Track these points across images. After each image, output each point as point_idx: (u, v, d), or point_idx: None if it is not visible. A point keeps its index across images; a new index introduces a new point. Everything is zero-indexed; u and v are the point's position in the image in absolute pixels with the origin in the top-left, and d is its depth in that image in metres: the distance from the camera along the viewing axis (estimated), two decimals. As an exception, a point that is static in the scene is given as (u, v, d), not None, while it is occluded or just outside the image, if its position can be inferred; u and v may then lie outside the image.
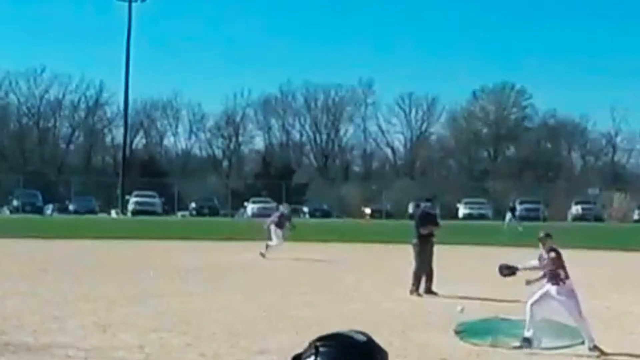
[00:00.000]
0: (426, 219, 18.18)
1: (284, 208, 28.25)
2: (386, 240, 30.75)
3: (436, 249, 17.92)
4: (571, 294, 11.33)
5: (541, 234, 11.92)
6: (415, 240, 17.74)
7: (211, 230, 39.68)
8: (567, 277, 11.40)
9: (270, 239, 25.79)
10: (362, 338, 2.33)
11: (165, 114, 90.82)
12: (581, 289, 13.51)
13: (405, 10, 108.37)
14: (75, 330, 12.29)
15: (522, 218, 59.90)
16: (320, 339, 2.32)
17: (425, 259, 17.41)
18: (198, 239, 33.46)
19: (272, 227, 26.01)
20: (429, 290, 17.27)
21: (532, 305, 11.37)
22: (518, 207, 65.24)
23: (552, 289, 11.36)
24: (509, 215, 50.29)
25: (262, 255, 24.99)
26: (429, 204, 19.99)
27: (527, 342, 11.26)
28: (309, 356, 2.28)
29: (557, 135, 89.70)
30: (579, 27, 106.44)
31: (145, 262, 23.90)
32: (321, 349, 2.28)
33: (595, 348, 11.06)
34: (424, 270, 17.41)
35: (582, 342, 11.22)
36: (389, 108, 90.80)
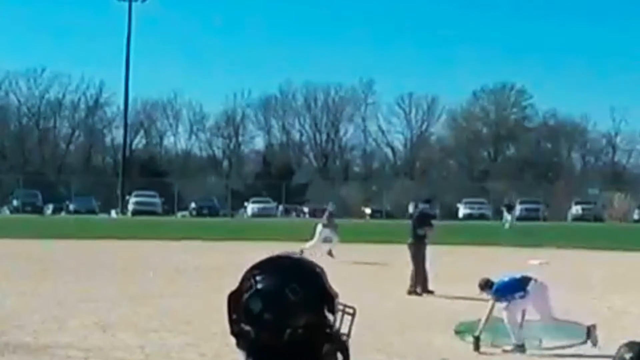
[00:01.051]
0: (423, 220, 18.21)
1: (330, 207, 28.19)
2: (386, 241, 30.69)
3: (435, 249, 17.97)
4: (538, 298, 11.37)
5: (480, 282, 11.83)
6: (411, 241, 17.77)
7: (211, 230, 39.64)
8: (524, 291, 11.40)
9: (327, 240, 25.26)
10: (296, 255, 2.19)
11: (165, 114, 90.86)
12: (582, 289, 13.54)
13: (405, 10, 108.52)
14: (75, 330, 12.29)
15: (523, 218, 60.11)
16: (254, 267, 2.15)
17: (421, 259, 17.44)
18: (198, 239, 33.43)
19: (319, 227, 25.80)
20: (424, 290, 17.34)
21: (504, 310, 11.39)
22: (518, 206, 65.32)
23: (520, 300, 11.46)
24: (505, 214, 50.41)
25: (331, 255, 24.27)
26: (427, 205, 19.99)
27: (520, 347, 11.21)
28: (249, 288, 2.10)
29: (557, 135, 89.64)
30: (579, 27, 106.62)
31: (145, 262, 23.87)
32: (259, 277, 2.11)
33: (591, 330, 11.07)
34: (421, 270, 17.44)
35: (583, 342, 11.20)
36: (389, 108, 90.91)
